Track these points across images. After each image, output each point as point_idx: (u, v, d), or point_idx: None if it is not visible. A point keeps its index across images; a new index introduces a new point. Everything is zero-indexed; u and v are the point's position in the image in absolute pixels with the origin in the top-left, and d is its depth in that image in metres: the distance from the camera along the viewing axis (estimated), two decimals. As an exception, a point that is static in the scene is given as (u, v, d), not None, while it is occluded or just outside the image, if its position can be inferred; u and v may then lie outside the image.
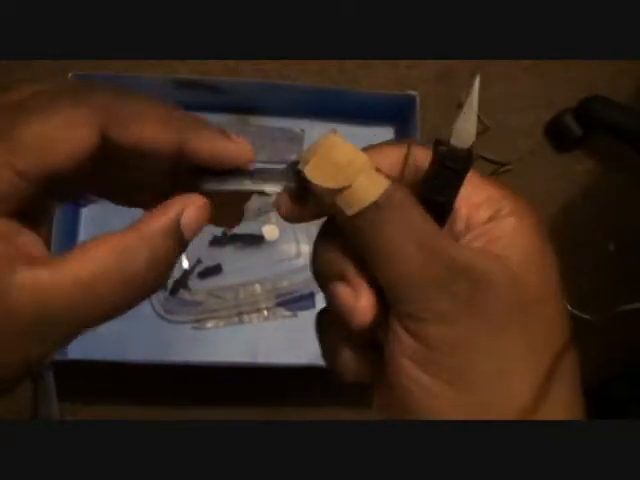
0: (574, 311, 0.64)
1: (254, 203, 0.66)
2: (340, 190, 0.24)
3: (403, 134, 0.71)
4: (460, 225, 0.26)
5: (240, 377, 0.64)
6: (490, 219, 0.25)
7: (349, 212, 0.24)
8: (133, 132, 0.26)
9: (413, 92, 0.67)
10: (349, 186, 0.24)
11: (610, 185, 0.72)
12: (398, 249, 0.24)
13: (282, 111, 0.71)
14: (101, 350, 0.63)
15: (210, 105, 0.70)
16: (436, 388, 0.23)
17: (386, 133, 0.73)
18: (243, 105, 0.70)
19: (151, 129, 0.26)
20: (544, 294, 0.24)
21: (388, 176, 0.25)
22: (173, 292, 0.66)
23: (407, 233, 0.24)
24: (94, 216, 0.68)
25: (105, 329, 0.64)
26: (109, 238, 0.25)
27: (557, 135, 0.72)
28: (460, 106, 0.24)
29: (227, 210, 0.30)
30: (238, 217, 0.31)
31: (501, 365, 0.23)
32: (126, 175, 0.28)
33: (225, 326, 0.66)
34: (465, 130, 0.24)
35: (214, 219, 0.28)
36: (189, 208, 0.26)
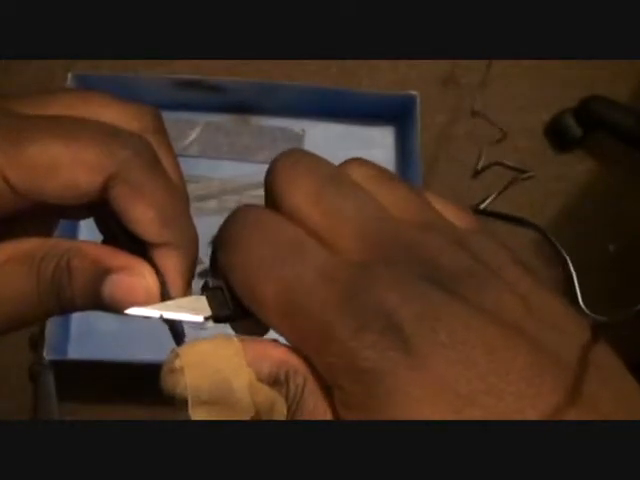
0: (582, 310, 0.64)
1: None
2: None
3: (403, 134, 0.71)
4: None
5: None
6: None
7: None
8: (129, 211, 0.25)
9: (413, 92, 0.67)
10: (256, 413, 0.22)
11: (610, 185, 0.72)
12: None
13: (282, 111, 0.71)
14: (101, 350, 0.63)
15: (210, 105, 0.70)
16: None
17: (386, 133, 0.73)
18: (243, 105, 0.70)
19: (144, 219, 0.25)
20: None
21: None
22: (173, 292, 0.66)
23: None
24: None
25: (105, 329, 0.65)
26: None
27: (557, 135, 0.72)
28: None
29: None
30: None
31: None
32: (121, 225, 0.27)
33: (225, 326, 0.66)
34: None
35: None
36: (124, 275, 0.25)
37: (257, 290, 0.23)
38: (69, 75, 0.64)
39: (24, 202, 0.24)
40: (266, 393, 0.22)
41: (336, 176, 0.24)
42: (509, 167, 0.71)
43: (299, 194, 0.24)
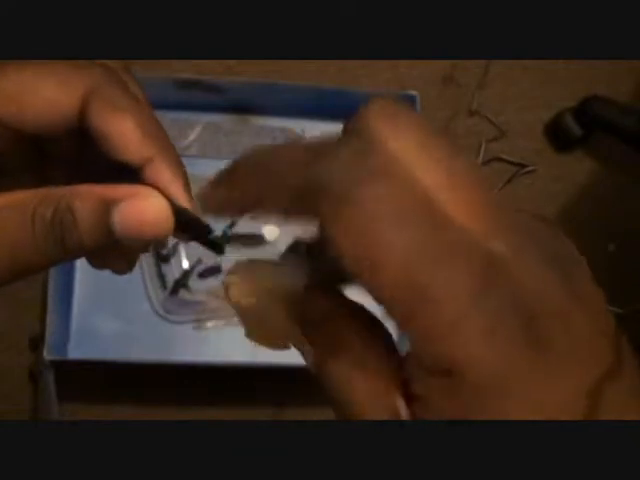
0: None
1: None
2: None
3: (403, 134, 0.71)
4: None
5: (240, 377, 0.64)
6: None
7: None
8: (108, 124, 0.26)
9: (413, 92, 0.67)
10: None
11: (610, 185, 0.72)
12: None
13: (282, 111, 0.71)
14: (101, 350, 0.63)
15: (210, 105, 0.70)
16: None
17: (386, 133, 0.73)
18: (243, 105, 0.70)
19: (124, 132, 0.26)
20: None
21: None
22: (173, 292, 0.66)
23: None
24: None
25: (105, 329, 0.65)
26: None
27: (557, 135, 0.72)
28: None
29: (119, 254, 0.29)
30: (131, 265, 0.30)
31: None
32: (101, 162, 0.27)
33: (225, 326, 0.66)
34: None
35: (101, 262, 0.28)
36: (131, 202, 0.25)
37: (376, 255, 0.19)
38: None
39: (6, 133, 0.25)
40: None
41: (438, 134, 0.21)
42: (508, 162, 0.71)
43: (409, 142, 0.21)
